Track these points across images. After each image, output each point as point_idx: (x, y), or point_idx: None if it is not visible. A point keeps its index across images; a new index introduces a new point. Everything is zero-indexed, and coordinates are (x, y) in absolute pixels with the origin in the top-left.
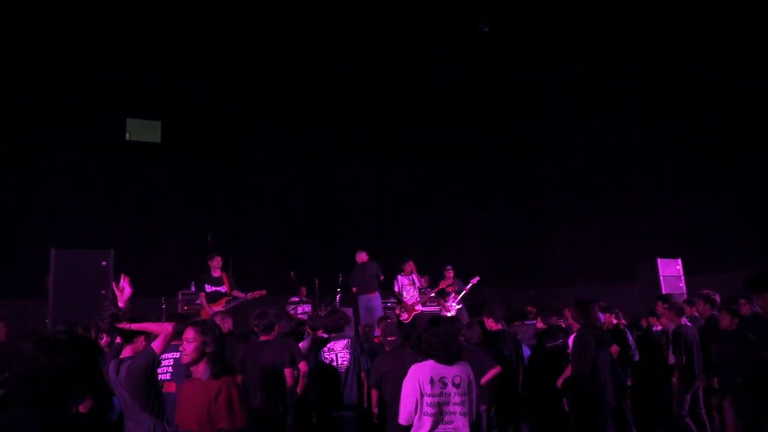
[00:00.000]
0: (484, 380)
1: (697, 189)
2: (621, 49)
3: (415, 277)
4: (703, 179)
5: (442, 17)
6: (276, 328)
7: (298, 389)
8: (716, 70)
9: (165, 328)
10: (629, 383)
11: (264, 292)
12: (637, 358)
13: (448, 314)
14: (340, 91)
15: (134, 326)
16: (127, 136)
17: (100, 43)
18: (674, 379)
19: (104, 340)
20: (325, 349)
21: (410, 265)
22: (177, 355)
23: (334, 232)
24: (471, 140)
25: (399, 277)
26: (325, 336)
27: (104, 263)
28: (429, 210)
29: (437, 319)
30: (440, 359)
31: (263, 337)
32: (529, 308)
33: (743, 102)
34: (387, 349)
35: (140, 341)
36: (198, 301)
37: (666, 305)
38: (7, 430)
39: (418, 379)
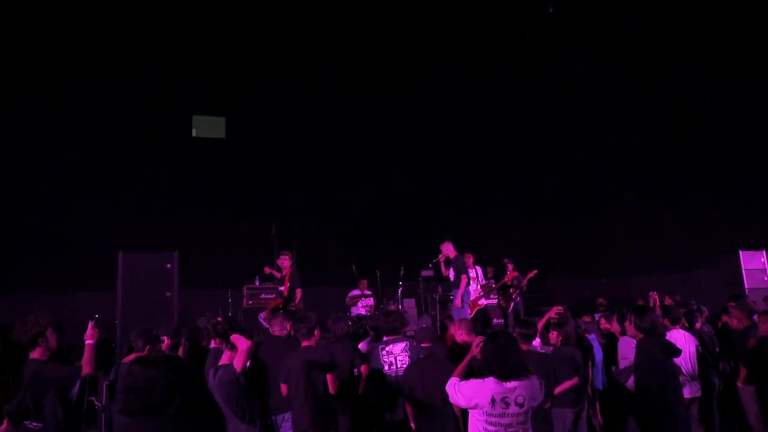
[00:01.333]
0: (558, 390)
1: None
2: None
3: (479, 270)
4: None
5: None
6: (316, 332)
7: (360, 390)
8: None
9: (243, 344)
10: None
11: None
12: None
13: (509, 309)
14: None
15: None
16: (194, 132)
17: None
18: (738, 383)
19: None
20: (384, 352)
21: (471, 257)
22: None
23: (392, 224)
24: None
25: None
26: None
27: (168, 266)
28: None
29: (495, 334)
30: (500, 375)
31: (305, 343)
32: (599, 300)
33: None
34: (421, 356)
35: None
36: (265, 296)
37: (734, 304)
38: None
39: (482, 397)
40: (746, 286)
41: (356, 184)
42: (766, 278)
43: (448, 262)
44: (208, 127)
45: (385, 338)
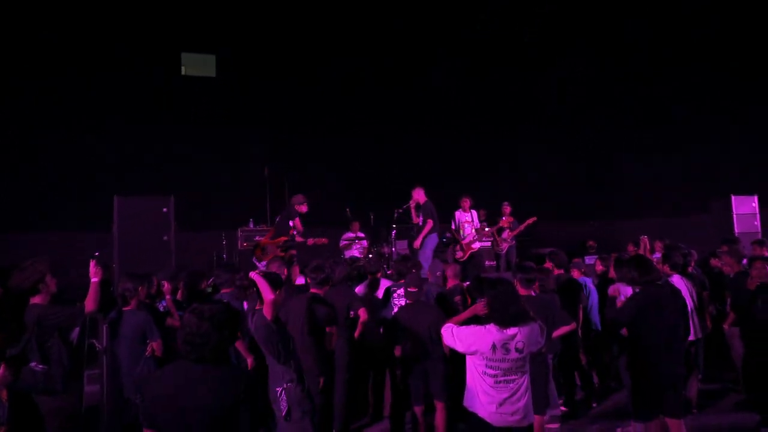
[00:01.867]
0: (556, 334)
1: None
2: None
3: (474, 214)
4: None
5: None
6: (329, 283)
7: (356, 334)
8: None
9: (268, 296)
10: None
11: (326, 240)
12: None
13: (502, 252)
14: None
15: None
16: (183, 70)
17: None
18: (725, 326)
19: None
20: (395, 295)
21: (468, 202)
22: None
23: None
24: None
25: (456, 213)
26: (378, 278)
27: (165, 210)
28: (482, 143)
29: (495, 281)
30: (501, 322)
31: (314, 290)
32: (590, 243)
33: None
34: (409, 301)
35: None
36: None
37: (726, 249)
38: (181, 375)
39: (483, 344)
40: (737, 231)
41: (351, 130)
42: (756, 222)
43: (419, 208)
44: (197, 64)
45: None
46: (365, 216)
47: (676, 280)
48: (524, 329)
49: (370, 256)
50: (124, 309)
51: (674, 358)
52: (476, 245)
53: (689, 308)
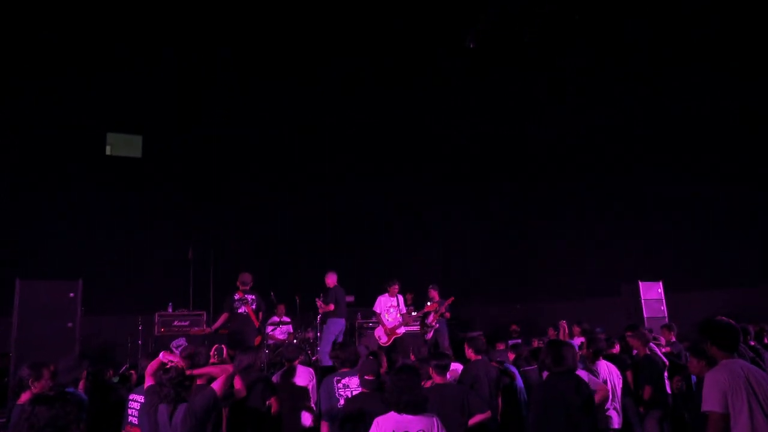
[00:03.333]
0: (471, 422)
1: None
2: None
3: (400, 299)
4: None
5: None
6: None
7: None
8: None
9: (226, 369)
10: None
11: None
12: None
13: (428, 337)
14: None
15: (197, 371)
16: (108, 150)
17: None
18: (641, 409)
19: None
20: (339, 385)
21: (396, 287)
22: (142, 399)
23: (312, 250)
24: (456, 153)
25: (381, 298)
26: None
27: (72, 294)
28: (407, 225)
29: (402, 367)
30: (399, 409)
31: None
32: (513, 327)
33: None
34: (364, 390)
35: (196, 382)
36: (179, 323)
37: (630, 333)
38: None
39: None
40: (645, 315)
41: (276, 208)
42: (663, 307)
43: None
44: (123, 145)
45: (339, 371)
46: (291, 300)
47: (603, 366)
48: (426, 419)
49: (294, 341)
50: (18, 402)
51: None
52: (401, 330)
53: (617, 394)
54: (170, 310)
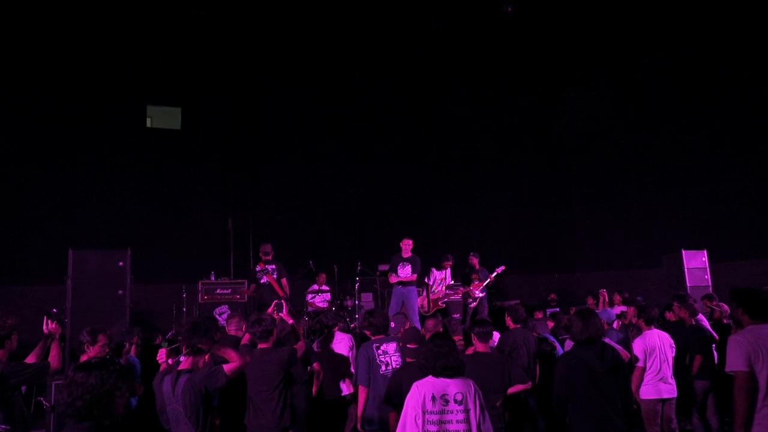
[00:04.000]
0: (511, 391)
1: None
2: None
3: (448, 273)
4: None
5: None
6: (275, 332)
7: (314, 390)
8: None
9: (240, 359)
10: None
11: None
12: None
13: (472, 303)
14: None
15: (221, 351)
16: (149, 122)
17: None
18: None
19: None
20: (379, 351)
21: (449, 263)
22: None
23: (354, 219)
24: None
25: (434, 270)
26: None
27: (121, 264)
28: (450, 198)
29: (437, 334)
30: (438, 373)
31: (262, 345)
32: (551, 296)
33: None
34: (408, 359)
35: (204, 359)
36: (221, 291)
37: (678, 304)
38: None
39: (421, 395)
40: (688, 284)
41: (316, 175)
42: (706, 276)
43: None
44: (163, 117)
45: (374, 338)
46: (329, 268)
47: (654, 335)
48: (463, 382)
49: (333, 308)
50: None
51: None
52: (442, 303)
53: (669, 362)
54: (213, 278)
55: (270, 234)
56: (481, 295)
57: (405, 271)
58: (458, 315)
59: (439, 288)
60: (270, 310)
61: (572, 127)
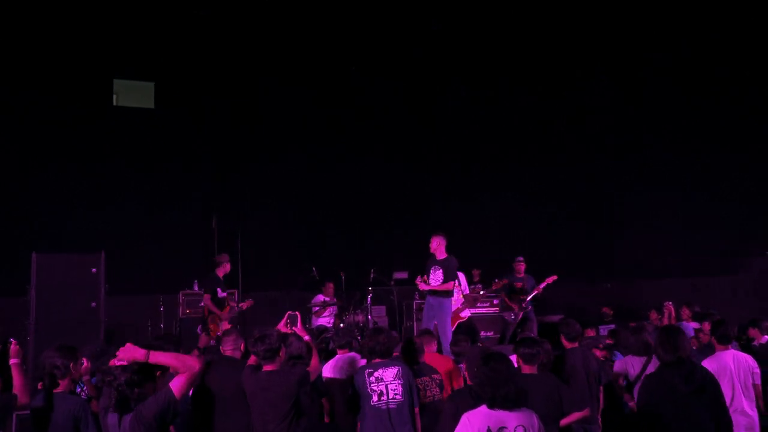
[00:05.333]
0: (565, 422)
1: None
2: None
3: (462, 277)
4: None
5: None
6: (282, 352)
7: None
8: None
9: (192, 367)
10: None
11: (251, 302)
12: None
13: (513, 318)
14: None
15: (153, 356)
16: (115, 99)
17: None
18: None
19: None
20: (372, 378)
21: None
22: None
23: (359, 221)
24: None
25: None
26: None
27: (94, 270)
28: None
29: (491, 355)
30: (495, 404)
31: (267, 367)
32: (604, 310)
33: None
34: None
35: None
36: (202, 303)
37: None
38: None
39: (474, 428)
40: None
41: (317, 172)
42: None
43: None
44: (133, 93)
45: (372, 362)
46: (335, 276)
47: (728, 356)
48: (525, 415)
49: (341, 326)
50: (55, 392)
51: None
52: (465, 313)
53: (749, 391)
54: (196, 288)
55: (262, 236)
56: (527, 308)
57: (435, 278)
58: (491, 332)
59: (456, 297)
60: (282, 323)
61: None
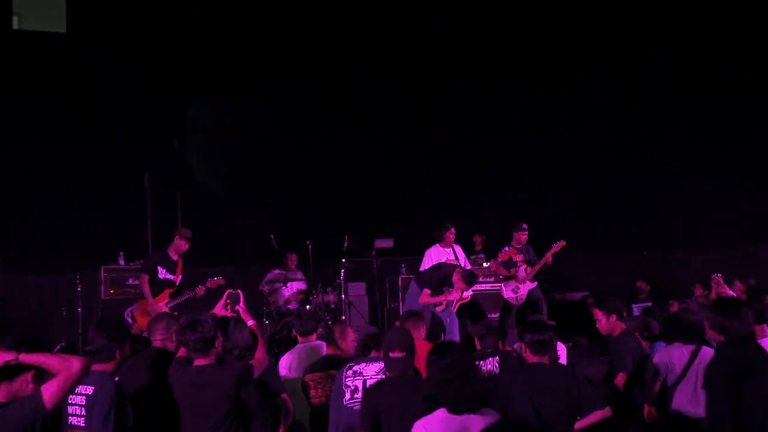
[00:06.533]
0: (580, 425)
1: None
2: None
3: (458, 250)
4: None
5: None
6: (217, 344)
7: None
8: None
9: (69, 366)
10: None
11: (222, 281)
12: None
13: (513, 297)
14: None
15: (24, 356)
16: (15, 21)
17: None
18: None
19: None
20: (348, 373)
21: (450, 233)
22: (90, 390)
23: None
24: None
25: (430, 251)
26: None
27: None
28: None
29: (442, 346)
30: (457, 407)
31: (200, 360)
32: (639, 284)
33: None
34: (390, 374)
35: (26, 380)
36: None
37: None
38: None
39: None
40: None
41: (276, 115)
42: None
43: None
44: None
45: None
46: (299, 245)
47: None
48: (487, 417)
49: (307, 307)
50: None
51: None
52: (467, 293)
53: None
54: (122, 262)
55: (207, 199)
56: (532, 286)
57: None
58: (497, 314)
59: None
60: (220, 305)
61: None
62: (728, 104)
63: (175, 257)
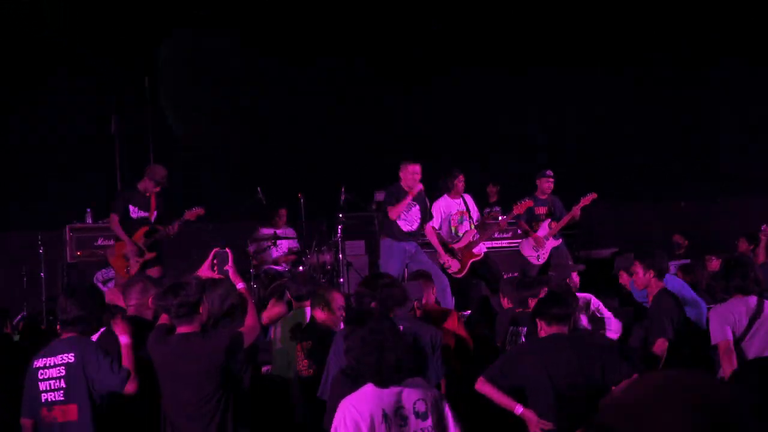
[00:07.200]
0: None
1: None
2: None
3: (469, 200)
4: None
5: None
6: (202, 309)
7: None
8: None
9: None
10: None
11: (201, 211)
12: None
13: (534, 255)
14: None
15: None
16: None
17: None
18: None
19: None
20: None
21: (460, 181)
22: (72, 358)
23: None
24: None
25: (438, 203)
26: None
27: None
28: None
29: (362, 313)
30: (383, 379)
31: (183, 328)
32: (675, 238)
33: None
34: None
35: None
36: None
37: None
38: None
39: (363, 418)
40: None
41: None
42: None
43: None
44: None
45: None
46: (290, 199)
47: None
48: (419, 388)
49: (300, 269)
50: None
51: None
52: (480, 248)
53: None
54: (89, 220)
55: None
56: (555, 243)
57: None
58: (515, 274)
59: (464, 227)
60: (206, 266)
61: None
62: None
63: (147, 193)
